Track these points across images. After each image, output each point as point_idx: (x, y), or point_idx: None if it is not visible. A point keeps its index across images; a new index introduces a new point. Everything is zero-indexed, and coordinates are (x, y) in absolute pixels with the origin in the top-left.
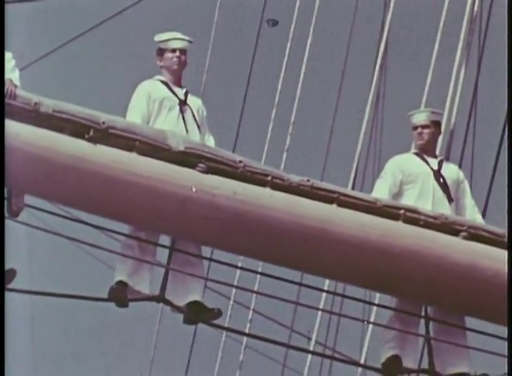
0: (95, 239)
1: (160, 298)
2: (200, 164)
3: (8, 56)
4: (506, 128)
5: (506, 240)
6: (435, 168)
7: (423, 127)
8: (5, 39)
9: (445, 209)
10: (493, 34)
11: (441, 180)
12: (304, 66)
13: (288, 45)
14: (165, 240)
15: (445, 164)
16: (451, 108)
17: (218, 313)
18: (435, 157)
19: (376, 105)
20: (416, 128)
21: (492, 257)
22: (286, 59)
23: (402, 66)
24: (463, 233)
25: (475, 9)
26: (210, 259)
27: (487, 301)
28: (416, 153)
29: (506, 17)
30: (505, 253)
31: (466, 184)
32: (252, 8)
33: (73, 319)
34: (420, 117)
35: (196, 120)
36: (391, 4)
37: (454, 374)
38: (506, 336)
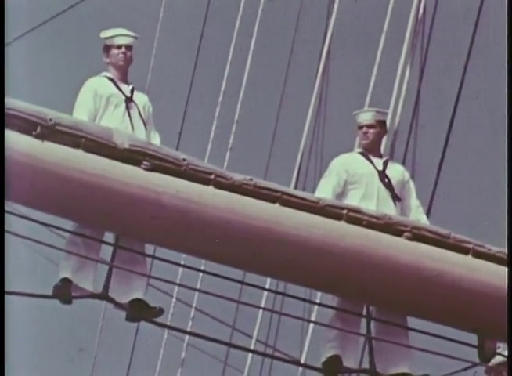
0: (40, 235)
1: (104, 296)
2: (145, 162)
3: None
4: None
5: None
6: (380, 168)
7: (369, 126)
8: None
9: (390, 210)
10: (437, 35)
11: (386, 180)
12: (248, 65)
13: (232, 44)
14: (109, 237)
15: (390, 165)
16: (395, 108)
17: (160, 311)
18: (380, 156)
19: (320, 104)
20: (361, 127)
21: (435, 257)
22: (230, 57)
23: (346, 65)
24: (407, 234)
25: (420, 10)
26: (153, 257)
27: (430, 302)
28: (361, 153)
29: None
30: (457, 256)
31: (412, 184)
32: (197, 6)
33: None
34: (366, 117)
35: (142, 117)
36: (335, 4)
37: (395, 374)
38: (449, 336)
